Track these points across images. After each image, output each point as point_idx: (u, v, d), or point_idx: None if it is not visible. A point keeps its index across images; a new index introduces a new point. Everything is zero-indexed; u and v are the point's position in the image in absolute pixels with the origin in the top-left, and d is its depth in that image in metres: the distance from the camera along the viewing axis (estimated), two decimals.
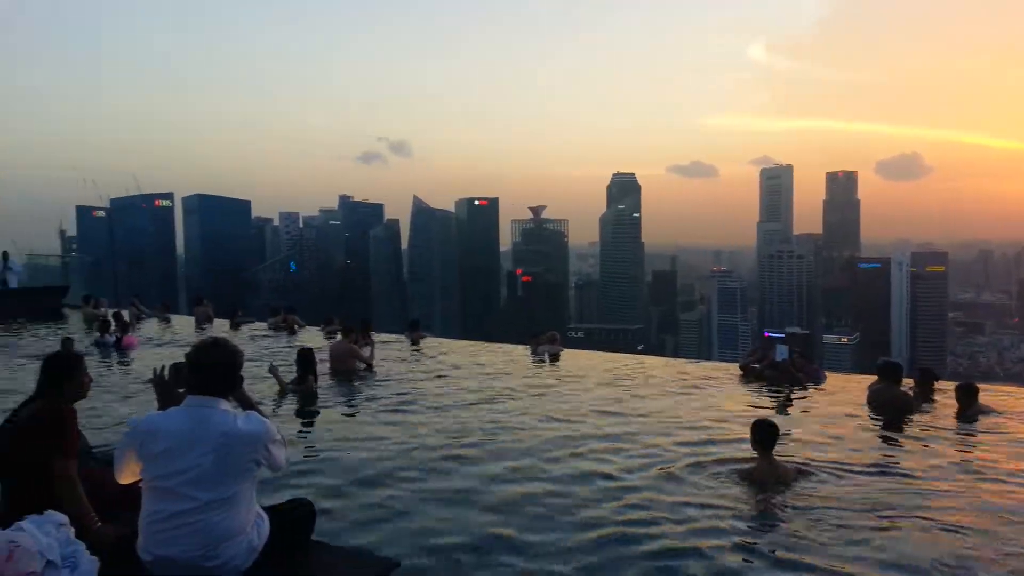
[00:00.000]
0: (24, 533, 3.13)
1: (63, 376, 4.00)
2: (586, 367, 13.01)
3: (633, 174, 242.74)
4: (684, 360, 17.66)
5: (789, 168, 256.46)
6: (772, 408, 9.57)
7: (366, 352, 12.16)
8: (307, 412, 8.83)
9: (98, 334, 14.86)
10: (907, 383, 9.82)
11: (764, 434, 6.14)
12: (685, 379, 11.61)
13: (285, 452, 3.44)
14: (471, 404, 9.27)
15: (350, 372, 11.39)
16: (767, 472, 6.01)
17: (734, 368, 12.66)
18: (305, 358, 9.83)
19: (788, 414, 9.30)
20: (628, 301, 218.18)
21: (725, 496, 5.69)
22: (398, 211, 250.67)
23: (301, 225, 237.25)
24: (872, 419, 8.77)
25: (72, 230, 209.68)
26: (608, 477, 6.14)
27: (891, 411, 8.87)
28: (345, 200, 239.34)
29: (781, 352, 11.58)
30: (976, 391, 8.99)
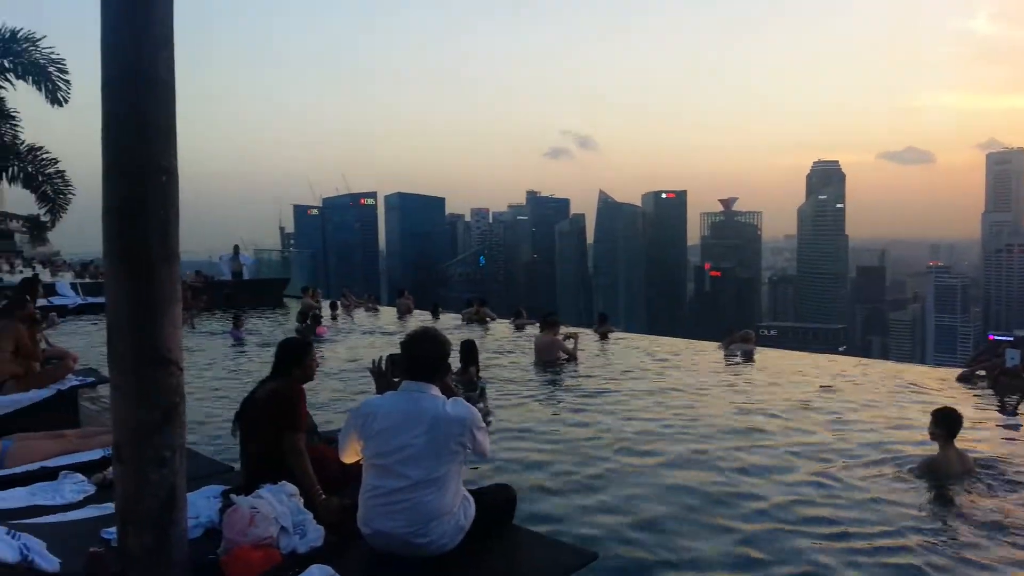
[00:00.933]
0: (263, 500, 3.49)
1: (294, 360, 4.42)
2: (781, 367, 12.34)
3: (837, 162, 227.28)
4: (893, 362, 16.27)
5: (1021, 153, 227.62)
6: (998, 417, 8.57)
7: (570, 344, 12.36)
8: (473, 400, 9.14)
9: (298, 323, 16.37)
10: None
11: (948, 421, 5.82)
12: (894, 382, 10.68)
13: (489, 440, 3.58)
14: (663, 398, 9.15)
15: (554, 363, 11.75)
16: (950, 462, 5.71)
17: (951, 373, 11.47)
18: (468, 350, 9.79)
19: (1019, 425, 8.28)
20: (828, 299, 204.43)
21: (903, 489, 5.47)
22: (584, 206, 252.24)
23: (491, 221, 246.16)
24: None
25: (290, 227, 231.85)
26: (799, 473, 5.81)
27: None
28: (532, 196, 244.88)
29: (1011, 357, 10.33)
30: None
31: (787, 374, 11.41)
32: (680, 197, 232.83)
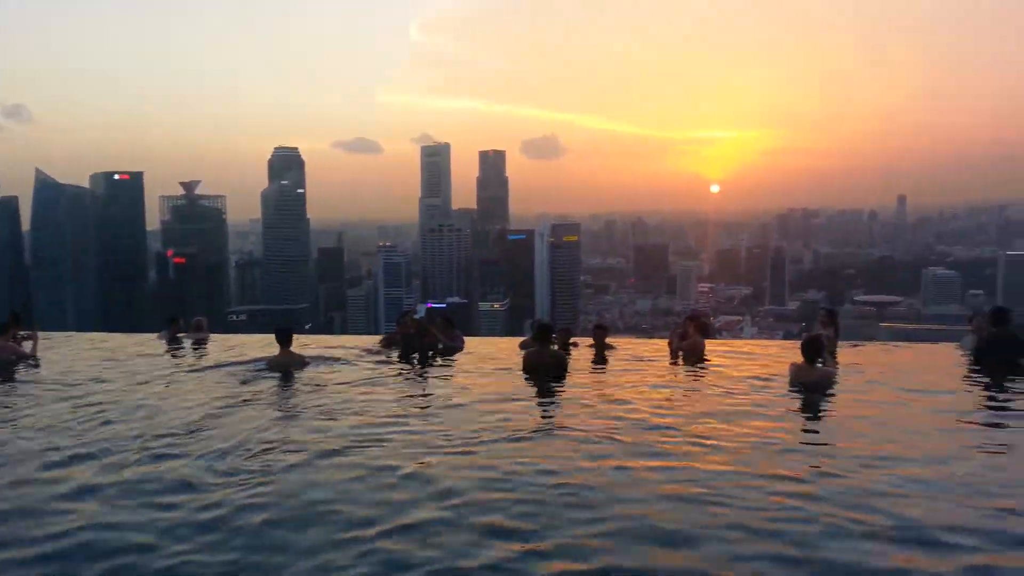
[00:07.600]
0: None
1: None
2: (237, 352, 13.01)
3: (296, 148, 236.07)
4: (351, 336, 18.47)
5: (447, 146, 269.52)
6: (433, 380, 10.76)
7: (28, 346, 12.17)
8: None
9: None
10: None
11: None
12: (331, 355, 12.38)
13: None
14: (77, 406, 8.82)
15: (8, 364, 11.43)
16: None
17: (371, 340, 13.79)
18: None
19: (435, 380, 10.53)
20: (294, 280, 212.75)
21: None
22: (17, 186, 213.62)
23: None
24: (527, 378, 10.50)
25: None
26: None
27: (545, 369, 10.49)
28: None
29: (420, 312, 13.03)
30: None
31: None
32: (136, 179, 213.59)
